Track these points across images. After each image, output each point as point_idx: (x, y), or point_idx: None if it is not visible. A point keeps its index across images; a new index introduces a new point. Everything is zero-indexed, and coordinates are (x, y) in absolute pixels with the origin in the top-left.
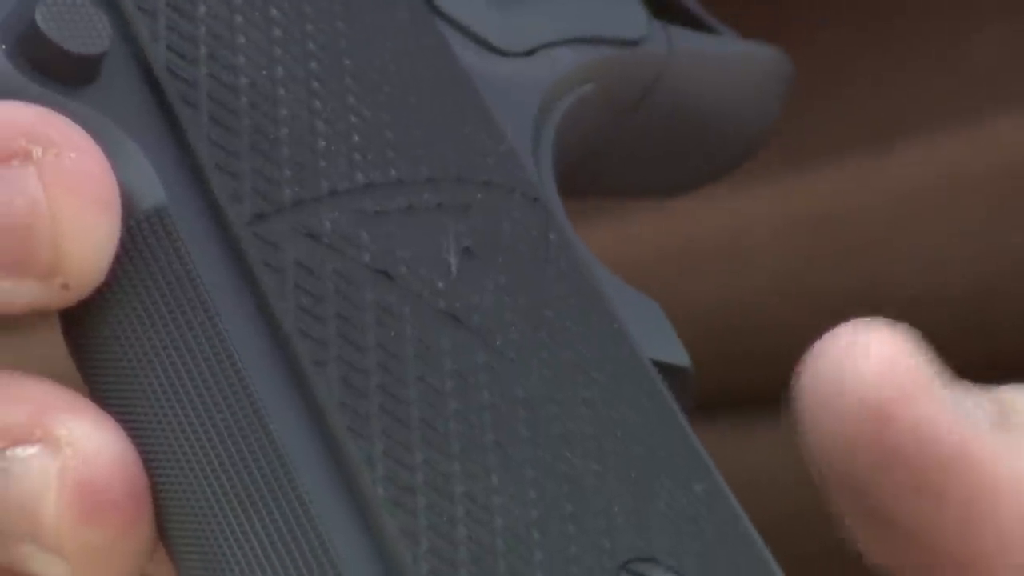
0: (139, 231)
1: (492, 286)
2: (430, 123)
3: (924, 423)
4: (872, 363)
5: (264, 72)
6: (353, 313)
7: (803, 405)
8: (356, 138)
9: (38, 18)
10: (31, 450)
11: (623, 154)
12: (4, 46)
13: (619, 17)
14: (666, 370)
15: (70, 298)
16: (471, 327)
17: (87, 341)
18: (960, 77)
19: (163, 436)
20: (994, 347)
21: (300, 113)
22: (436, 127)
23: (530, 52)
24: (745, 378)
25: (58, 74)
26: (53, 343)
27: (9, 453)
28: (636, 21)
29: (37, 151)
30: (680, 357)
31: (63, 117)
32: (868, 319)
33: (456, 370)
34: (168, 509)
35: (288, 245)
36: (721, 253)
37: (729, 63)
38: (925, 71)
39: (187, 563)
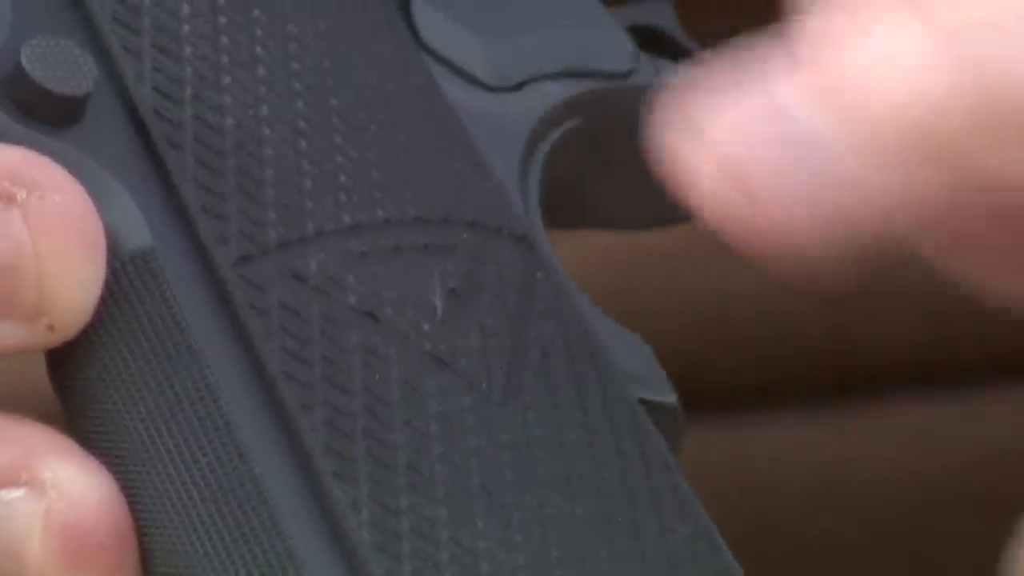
0: (124, 272)
1: (478, 328)
2: (417, 162)
3: None
4: None
5: (250, 112)
6: (339, 356)
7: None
8: (343, 178)
9: (23, 59)
10: (16, 493)
11: (611, 186)
12: None
13: (606, 50)
14: (653, 408)
15: (56, 339)
16: (457, 370)
17: (73, 382)
18: None
19: (148, 478)
20: (992, 336)
21: (286, 153)
22: (423, 166)
23: (518, 86)
24: (743, 370)
25: (43, 115)
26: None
27: None
28: (623, 54)
29: (21, 193)
30: (667, 396)
31: (47, 159)
32: None
33: (442, 413)
34: (153, 552)
35: (273, 287)
36: (719, 244)
37: None
38: None
39: None
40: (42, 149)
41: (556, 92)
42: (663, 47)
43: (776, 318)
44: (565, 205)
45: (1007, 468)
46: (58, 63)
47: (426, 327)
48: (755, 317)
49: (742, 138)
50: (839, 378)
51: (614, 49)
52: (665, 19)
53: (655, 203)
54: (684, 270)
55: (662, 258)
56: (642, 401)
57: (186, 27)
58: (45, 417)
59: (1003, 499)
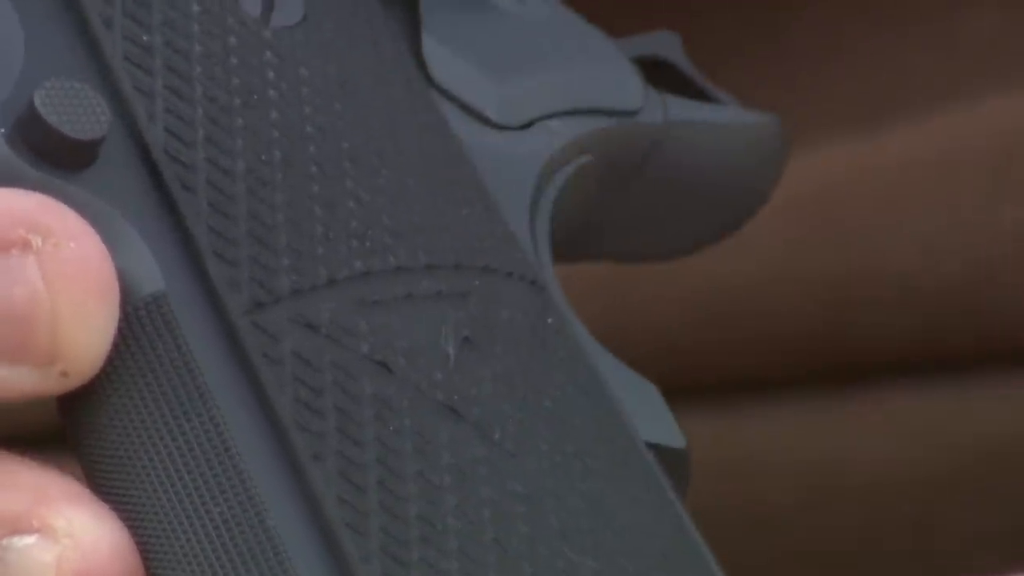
0: (137, 318)
1: (490, 376)
2: (428, 207)
3: None
4: None
5: (262, 156)
6: (351, 406)
7: None
8: (354, 224)
9: (37, 102)
10: (28, 540)
11: (619, 221)
12: (3, 130)
13: (615, 88)
14: (662, 452)
15: (69, 385)
16: (470, 420)
17: (85, 427)
18: (953, 55)
19: (160, 525)
20: (987, 327)
21: (298, 198)
22: (434, 211)
23: (527, 125)
24: (739, 362)
25: (56, 158)
26: None
27: (5, 542)
28: (632, 91)
29: (36, 240)
30: (676, 440)
31: (62, 205)
32: None
33: (455, 464)
34: None
35: (286, 336)
36: None
37: (725, 131)
38: (918, 49)
39: None
40: (56, 193)
41: (566, 130)
42: (669, 78)
43: (772, 311)
44: (574, 240)
45: (1003, 460)
46: (73, 107)
47: (438, 376)
48: (750, 310)
49: None
50: (835, 371)
51: (623, 86)
52: (672, 50)
53: (663, 236)
54: (679, 264)
55: None
56: (649, 444)
57: (198, 68)
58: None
59: (999, 491)
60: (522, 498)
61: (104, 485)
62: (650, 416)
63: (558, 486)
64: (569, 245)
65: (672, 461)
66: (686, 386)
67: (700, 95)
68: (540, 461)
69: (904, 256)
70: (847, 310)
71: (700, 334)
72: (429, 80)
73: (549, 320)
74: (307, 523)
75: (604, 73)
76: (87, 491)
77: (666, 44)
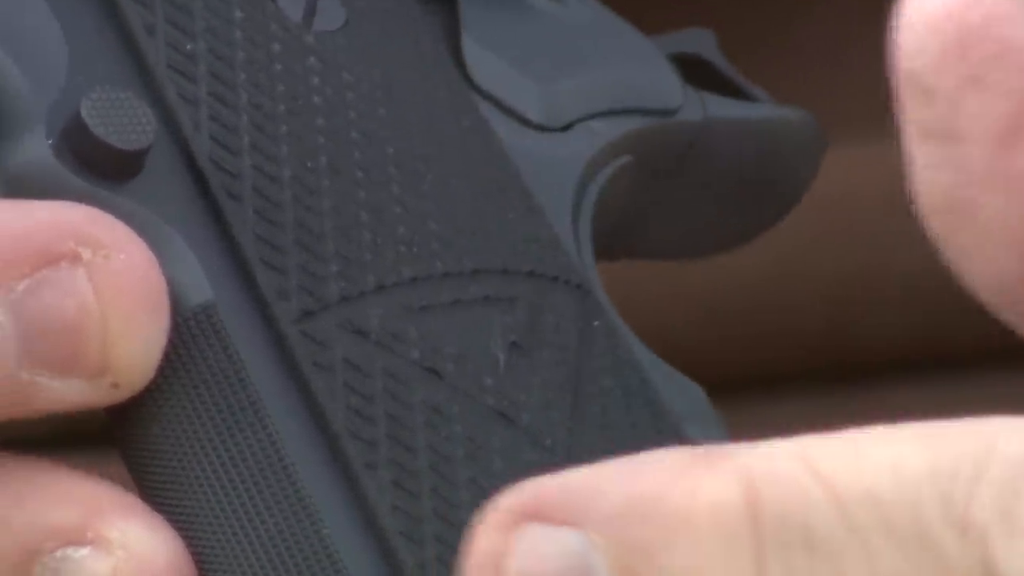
0: (187, 328)
1: (539, 382)
2: (473, 212)
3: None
4: None
5: (308, 163)
6: (403, 413)
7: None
8: (401, 230)
9: (83, 113)
10: (83, 552)
11: (659, 219)
12: (49, 140)
13: (655, 87)
14: None
15: (119, 396)
16: (520, 425)
17: (135, 438)
18: None
19: (214, 537)
20: (989, 327)
21: (345, 205)
22: (479, 215)
23: (568, 126)
24: (742, 360)
25: (103, 169)
26: None
27: (60, 554)
28: (671, 90)
29: (87, 253)
30: (719, 436)
31: (110, 217)
32: None
33: (507, 470)
34: None
35: (336, 343)
36: None
37: (763, 128)
38: None
39: None
40: (102, 204)
41: (606, 130)
42: (704, 75)
43: (775, 310)
44: (614, 240)
45: None
46: (119, 117)
47: (488, 382)
48: (754, 308)
49: None
50: (838, 369)
51: (663, 85)
52: (707, 47)
53: (703, 234)
54: (681, 267)
55: None
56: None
57: (242, 75)
58: None
59: None
60: None
61: (156, 496)
62: (697, 419)
63: None
64: (610, 245)
65: None
66: None
67: (735, 92)
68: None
69: (909, 256)
70: (851, 309)
71: (703, 332)
72: (469, 82)
73: (595, 323)
74: (362, 532)
75: (643, 72)
76: (140, 502)
77: (700, 41)
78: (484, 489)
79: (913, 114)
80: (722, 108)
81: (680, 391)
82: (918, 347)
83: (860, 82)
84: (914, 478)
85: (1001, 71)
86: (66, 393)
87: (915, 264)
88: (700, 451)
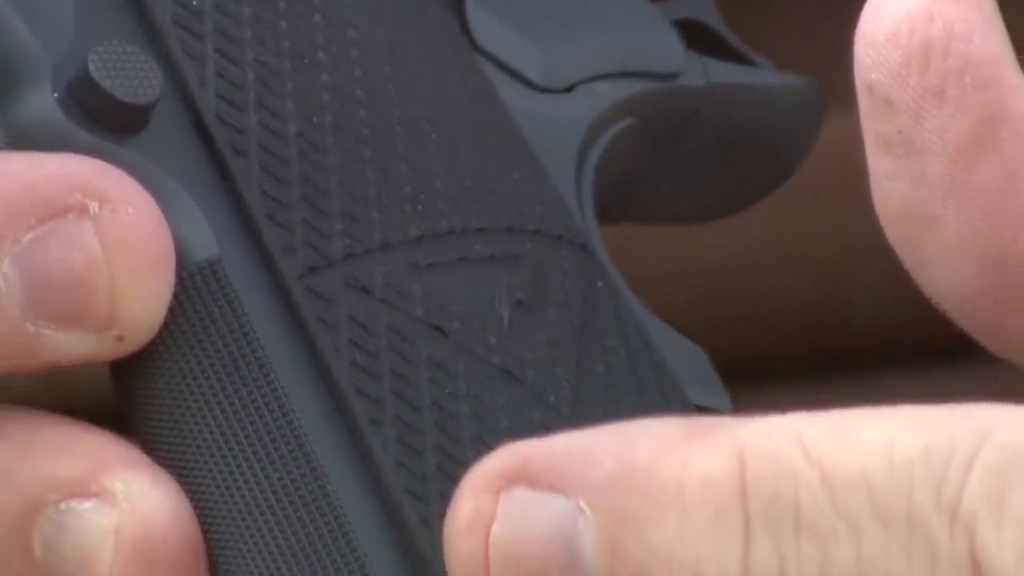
0: (192, 283)
1: (544, 340)
2: (478, 171)
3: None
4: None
5: (313, 119)
6: (408, 370)
7: (855, 50)
8: (407, 188)
9: (91, 66)
10: (87, 504)
11: (661, 183)
12: (56, 94)
13: (657, 51)
14: (708, 413)
15: (124, 349)
16: (525, 383)
17: (139, 393)
18: None
19: (218, 491)
20: None
21: (350, 162)
22: (484, 175)
23: (570, 88)
24: (735, 342)
25: (109, 123)
26: None
27: (63, 507)
28: (673, 54)
29: (94, 206)
30: (723, 403)
31: (118, 170)
32: None
33: (512, 428)
34: (222, 565)
35: (341, 300)
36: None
37: (764, 94)
38: None
39: None
40: (108, 158)
41: (608, 93)
42: (706, 41)
43: (768, 290)
44: (616, 203)
45: None
46: (126, 70)
47: (493, 340)
48: (748, 292)
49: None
50: (830, 352)
51: (665, 50)
52: (708, 14)
53: (701, 199)
54: (676, 247)
55: (654, 236)
56: (698, 407)
57: (248, 32)
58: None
59: None
60: None
61: (160, 451)
62: (699, 379)
63: None
64: (611, 208)
65: None
66: None
67: (736, 58)
68: (594, 424)
69: None
70: (844, 287)
71: (694, 314)
72: (474, 45)
73: (599, 284)
74: (366, 488)
75: (646, 36)
76: (144, 456)
77: (701, 7)
78: (489, 446)
79: (873, 125)
80: (723, 73)
81: (682, 353)
82: (910, 327)
83: (847, 59)
84: (906, 461)
85: (962, 85)
86: (72, 346)
87: None
88: (693, 423)
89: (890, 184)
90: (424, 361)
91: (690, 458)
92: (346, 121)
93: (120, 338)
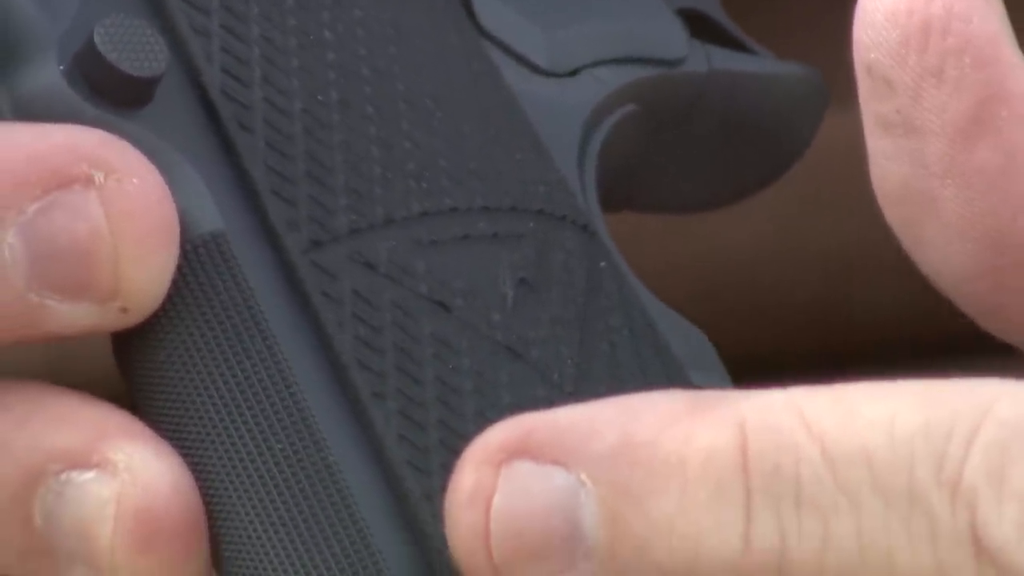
0: (196, 256)
1: (547, 318)
2: (482, 151)
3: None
4: None
5: (318, 96)
6: (411, 345)
7: (854, 31)
8: (411, 165)
9: (96, 39)
10: (88, 475)
11: (663, 170)
12: (61, 66)
13: (660, 37)
14: None
15: (128, 321)
16: (528, 360)
17: (141, 365)
18: None
19: (219, 463)
20: None
21: (355, 139)
22: (488, 155)
23: (574, 72)
24: (738, 336)
25: (114, 95)
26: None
27: (64, 477)
28: (677, 41)
29: (99, 176)
30: (724, 385)
31: (124, 142)
32: None
33: (515, 404)
34: (223, 537)
35: (345, 274)
36: (708, 214)
37: (767, 82)
38: None
39: None
40: (115, 131)
41: (612, 78)
42: (708, 31)
43: (772, 287)
44: (618, 189)
45: None
46: (132, 44)
47: (496, 317)
48: (751, 286)
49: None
50: (834, 347)
51: (668, 36)
52: (709, 3)
53: (702, 188)
54: (678, 239)
55: (651, 231)
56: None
57: (254, 8)
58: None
59: None
60: None
61: (162, 423)
62: (701, 362)
63: None
64: (614, 194)
65: None
66: None
67: (737, 48)
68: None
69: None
70: (845, 282)
71: (696, 306)
72: (479, 28)
73: (602, 264)
74: (369, 461)
75: (649, 23)
76: (146, 428)
77: None
78: (491, 421)
79: (872, 105)
80: (727, 61)
81: (684, 336)
82: (913, 320)
83: (846, 57)
84: (907, 436)
85: (961, 65)
86: (75, 317)
87: None
88: (695, 396)
89: (889, 164)
90: (427, 336)
91: (692, 431)
92: (351, 98)
93: (124, 309)
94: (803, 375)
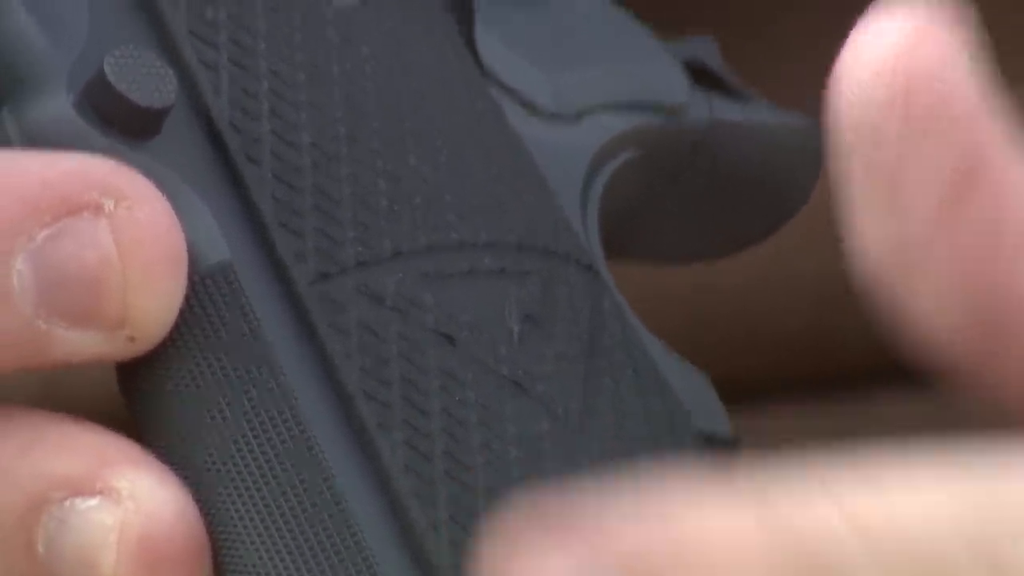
0: (203, 286)
1: (552, 354)
2: (487, 188)
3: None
4: (897, 36)
5: (326, 131)
6: (417, 377)
7: (837, 87)
8: (418, 199)
9: (107, 69)
10: (91, 502)
11: (663, 219)
12: (71, 95)
13: (663, 85)
14: (710, 440)
15: (135, 350)
16: (534, 395)
17: (147, 394)
18: None
19: (224, 493)
20: None
21: (362, 172)
22: (493, 191)
23: (577, 116)
24: (726, 365)
25: (124, 126)
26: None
27: (67, 504)
28: (679, 89)
29: (109, 204)
30: (724, 428)
31: (134, 171)
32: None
33: (520, 436)
34: (228, 566)
35: (352, 306)
36: None
37: (767, 132)
38: None
39: None
40: (124, 160)
41: (614, 123)
42: (707, 83)
43: (761, 316)
44: (614, 234)
45: None
46: (141, 75)
47: (502, 351)
48: (739, 315)
49: None
50: (822, 375)
51: (671, 84)
52: (709, 55)
53: (700, 238)
54: (667, 269)
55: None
56: (700, 432)
57: (262, 44)
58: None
59: None
60: (587, 472)
61: (166, 452)
62: (703, 405)
63: (620, 465)
64: (613, 241)
65: (722, 451)
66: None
67: (739, 99)
68: (603, 438)
69: None
70: (836, 311)
71: (685, 336)
72: (482, 69)
73: (606, 303)
74: (375, 492)
75: (652, 70)
76: (150, 455)
77: (704, 49)
78: (497, 454)
79: (857, 162)
80: (728, 111)
81: (686, 377)
82: (906, 351)
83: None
84: (948, 535)
85: (945, 121)
86: (82, 345)
87: None
88: (726, 489)
89: (875, 220)
90: (434, 369)
91: (725, 531)
92: (358, 133)
93: (131, 338)
94: (793, 403)
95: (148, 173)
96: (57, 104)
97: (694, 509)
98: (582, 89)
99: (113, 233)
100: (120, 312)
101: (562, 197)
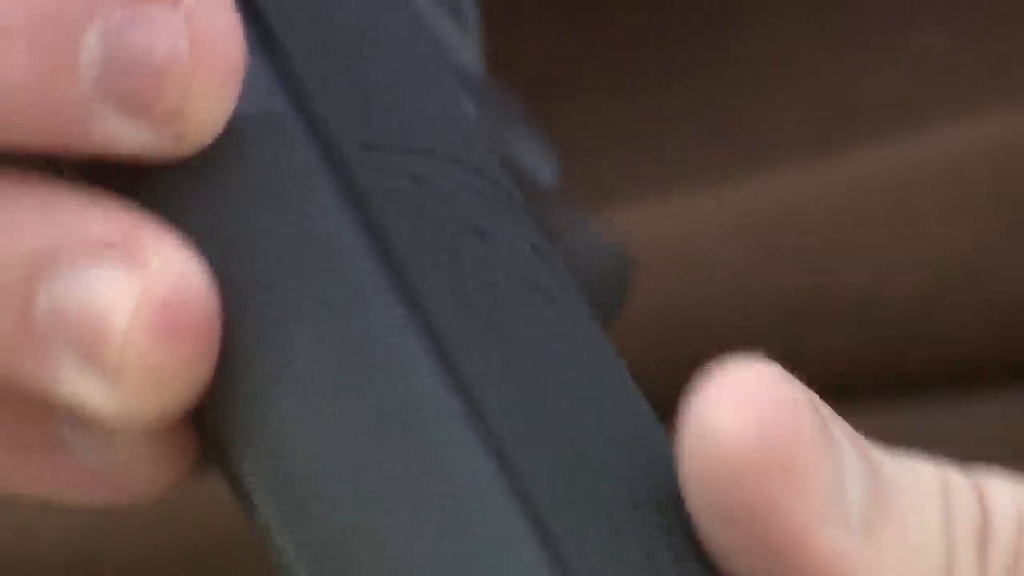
0: (254, 126)
1: (566, 281)
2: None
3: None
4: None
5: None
6: (456, 248)
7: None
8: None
9: None
10: (110, 259)
11: None
12: None
13: None
14: None
15: (178, 150)
16: (554, 302)
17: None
18: (907, 74)
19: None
20: (938, 349)
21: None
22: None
23: None
24: (693, 384)
25: None
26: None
27: (81, 263)
28: None
29: None
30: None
31: None
32: (747, 364)
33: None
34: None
35: (395, 175)
36: (667, 257)
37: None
38: (871, 67)
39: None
40: None
41: None
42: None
43: (726, 334)
44: None
45: None
46: None
47: (529, 264)
48: (704, 336)
49: None
50: None
51: None
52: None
53: None
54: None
55: None
56: None
57: None
58: None
59: None
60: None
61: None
62: None
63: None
64: None
65: None
66: None
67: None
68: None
69: (858, 276)
70: (803, 331)
71: (654, 356)
72: None
73: None
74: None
75: None
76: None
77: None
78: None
79: (710, 536)
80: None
81: None
82: (871, 369)
83: (801, 104)
84: None
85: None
86: (127, 136)
87: (865, 281)
88: None
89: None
90: (468, 253)
91: None
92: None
93: (178, 136)
94: None
95: None
96: None
97: None
98: None
99: (188, 24)
100: (176, 106)
101: None
